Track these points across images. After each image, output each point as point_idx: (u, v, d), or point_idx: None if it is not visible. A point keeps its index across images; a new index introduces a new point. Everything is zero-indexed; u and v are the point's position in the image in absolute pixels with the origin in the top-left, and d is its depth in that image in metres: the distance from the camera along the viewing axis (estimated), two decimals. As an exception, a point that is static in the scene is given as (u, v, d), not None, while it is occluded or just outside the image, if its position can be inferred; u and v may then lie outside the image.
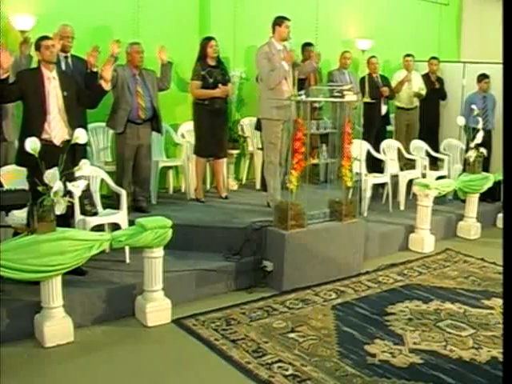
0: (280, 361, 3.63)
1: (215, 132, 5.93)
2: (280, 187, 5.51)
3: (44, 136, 4.12)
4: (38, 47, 4.27)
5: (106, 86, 4.48)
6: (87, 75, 5.01)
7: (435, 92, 8.17)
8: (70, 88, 4.33)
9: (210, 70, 5.88)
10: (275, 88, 5.40)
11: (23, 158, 3.94)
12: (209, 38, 5.91)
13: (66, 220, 4.06)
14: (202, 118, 5.93)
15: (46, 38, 4.31)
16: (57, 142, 4.18)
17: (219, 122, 5.97)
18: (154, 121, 5.48)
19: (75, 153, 4.14)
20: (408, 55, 7.94)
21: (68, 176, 3.70)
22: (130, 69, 5.37)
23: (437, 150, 7.76)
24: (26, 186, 3.94)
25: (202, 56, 5.92)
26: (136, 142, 5.38)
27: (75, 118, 4.37)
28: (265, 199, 5.85)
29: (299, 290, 4.78)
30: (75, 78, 4.76)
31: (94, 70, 5.02)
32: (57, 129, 4.21)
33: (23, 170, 4.15)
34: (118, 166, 5.48)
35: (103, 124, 5.68)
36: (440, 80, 8.30)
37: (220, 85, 5.85)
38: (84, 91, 4.55)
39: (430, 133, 8.15)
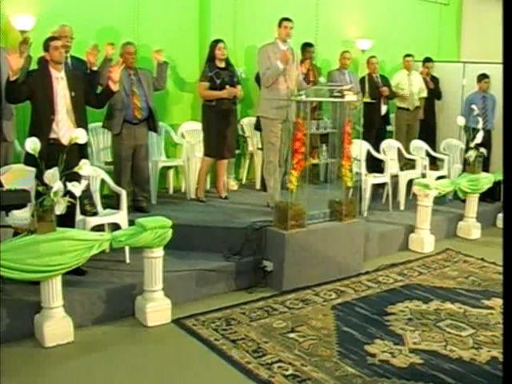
0: (280, 361, 3.63)
1: (223, 133, 5.96)
2: (280, 187, 5.52)
3: (52, 136, 4.19)
4: (46, 48, 4.28)
5: (114, 87, 4.52)
6: (88, 75, 5.02)
7: (430, 92, 8.18)
8: (78, 88, 4.37)
9: (218, 71, 5.90)
10: (272, 87, 5.42)
11: (32, 158, 3.95)
12: (217, 41, 5.95)
13: (72, 220, 4.08)
14: (209, 119, 5.98)
15: (54, 38, 4.35)
16: (65, 141, 4.19)
17: (227, 123, 5.99)
18: (150, 120, 5.48)
19: (82, 152, 4.17)
20: (408, 55, 7.94)
21: (72, 175, 3.70)
22: (125, 69, 5.35)
23: (435, 149, 7.76)
24: (28, 186, 3.94)
25: (211, 58, 5.96)
26: (133, 142, 5.38)
27: (82, 118, 4.41)
28: (265, 199, 5.85)
29: (299, 290, 4.78)
30: (83, 78, 4.76)
31: (94, 68, 5.02)
32: (64, 129, 4.25)
33: (26, 170, 4.16)
34: (115, 167, 5.48)
35: (103, 124, 5.68)
36: (435, 79, 8.32)
37: (227, 86, 5.87)
38: (91, 92, 4.58)
39: (428, 132, 8.17)
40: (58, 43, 4.27)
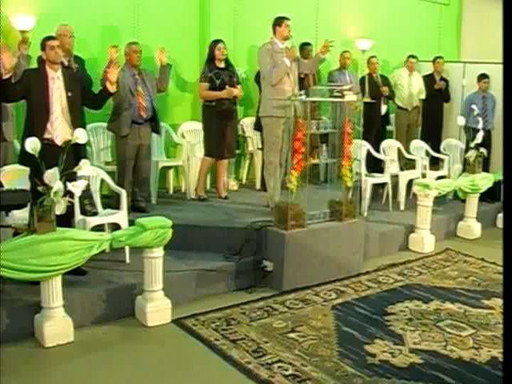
0: (280, 361, 3.63)
1: (223, 133, 5.97)
2: (280, 187, 5.52)
3: (46, 136, 4.14)
4: (43, 47, 4.28)
5: (112, 89, 4.47)
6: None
7: (439, 93, 8.13)
8: (75, 88, 4.33)
9: (218, 71, 5.91)
10: (277, 87, 5.39)
11: (26, 158, 3.94)
12: (217, 41, 5.95)
13: (67, 220, 4.07)
14: (209, 119, 5.98)
15: (51, 38, 4.34)
16: (59, 142, 4.19)
17: (227, 123, 6.00)
18: (153, 121, 5.48)
19: (78, 153, 4.15)
20: (411, 56, 7.91)
21: (69, 176, 3.70)
22: (129, 69, 5.37)
23: (439, 150, 7.75)
24: (27, 186, 3.94)
25: (211, 58, 5.97)
26: (137, 141, 5.38)
27: (79, 119, 4.37)
28: (265, 199, 5.85)
29: (299, 290, 4.77)
30: (80, 78, 4.74)
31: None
32: (59, 129, 4.23)
33: (24, 170, 4.15)
34: (118, 166, 5.47)
35: (103, 124, 5.68)
36: (445, 81, 8.22)
37: (227, 86, 5.87)
38: (88, 92, 4.55)
39: (433, 133, 8.14)
40: (55, 43, 4.25)
